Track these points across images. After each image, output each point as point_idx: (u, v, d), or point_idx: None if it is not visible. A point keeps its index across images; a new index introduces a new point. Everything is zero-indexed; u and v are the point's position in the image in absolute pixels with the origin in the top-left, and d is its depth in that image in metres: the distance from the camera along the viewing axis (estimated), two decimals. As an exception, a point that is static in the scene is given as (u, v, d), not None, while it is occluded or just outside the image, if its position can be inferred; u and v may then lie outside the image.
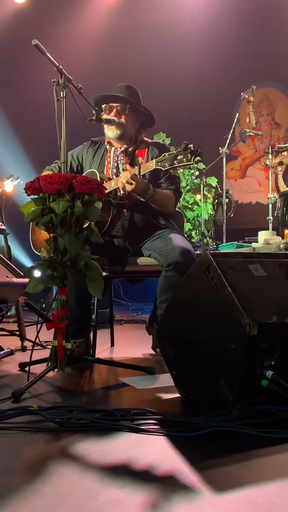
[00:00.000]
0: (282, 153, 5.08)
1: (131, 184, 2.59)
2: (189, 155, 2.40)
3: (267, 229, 4.85)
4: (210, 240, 6.34)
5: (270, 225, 5.11)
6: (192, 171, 6.54)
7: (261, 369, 1.60)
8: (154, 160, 2.56)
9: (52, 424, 1.56)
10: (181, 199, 6.36)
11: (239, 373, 1.59)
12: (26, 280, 2.72)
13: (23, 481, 1.19)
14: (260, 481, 1.19)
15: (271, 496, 1.11)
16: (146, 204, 2.76)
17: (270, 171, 5.24)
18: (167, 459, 1.32)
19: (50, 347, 2.19)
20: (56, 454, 1.35)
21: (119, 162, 2.90)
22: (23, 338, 3.11)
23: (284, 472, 1.24)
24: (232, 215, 5.73)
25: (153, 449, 1.39)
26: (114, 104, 2.86)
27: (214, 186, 6.49)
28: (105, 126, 2.88)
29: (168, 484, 1.16)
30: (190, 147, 2.39)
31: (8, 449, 1.41)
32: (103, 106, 2.87)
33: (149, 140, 3.01)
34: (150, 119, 2.95)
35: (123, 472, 1.24)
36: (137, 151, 2.91)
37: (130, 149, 2.90)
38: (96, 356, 2.73)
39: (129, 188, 2.61)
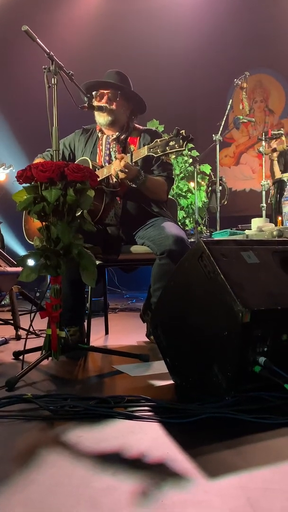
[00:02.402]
0: (283, 139, 5.08)
1: (124, 172, 2.57)
2: (181, 141, 2.38)
3: (260, 216, 4.85)
4: (204, 227, 6.35)
5: (264, 212, 5.11)
6: (186, 158, 6.53)
7: (254, 355, 1.61)
8: (146, 146, 2.54)
9: (46, 412, 1.57)
10: (174, 187, 6.35)
11: (232, 359, 1.59)
12: (19, 269, 2.72)
13: (17, 469, 1.19)
14: (253, 466, 1.19)
15: (264, 481, 1.12)
16: (139, 192, 2.75)
17: (263, 158, 5.23)
18: (160, 445, 1.32)
19: (44, 335, 2.19)
20: (50, 442, 1.35)
21: (111, 149, 2.88)
22: (17, 327, 3.11)
23: (277, 457, 1.25)
24: (226, 202, 5.73)
25: (147, 436, 1.39)
26: (105, 91, 2.84)
27: (208, 173, 6.47)
28: (96, 113, 2.86)
29: (161, 471, 1.17)
30: (182, 132, 2.38)
31: (2, 437, 1.41)
32: (93, 93, 2.84)
33: (141, 127, 2.99)
34: (141, 105, 2.93)
35: (117, 459, 1.25)
36: (129, 138, 2.90)
37: (122, 136, 2.88)
38: (91, 344, 2.73)
39: (122, 176, 2.59)
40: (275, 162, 5.28)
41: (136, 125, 2.97)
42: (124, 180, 2.65)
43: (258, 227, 3.32)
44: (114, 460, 1.24)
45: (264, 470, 1.18)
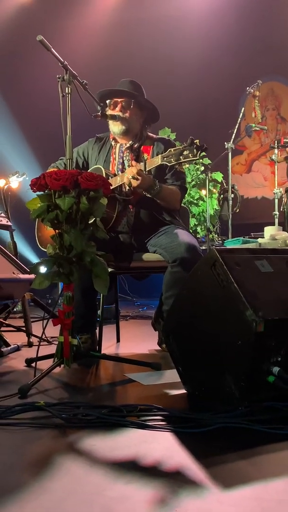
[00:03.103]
0: None
1: (137, 179, 2.58)
2: (195, 150, 2.39)
3: (273, 224, 4.84)
4: (216, 235, 6.33)
5: (276, 220, 5.09)
6: (198, 166, 6.52)
7: (268, 365, 1.60)
8: (159, 155, 2.55)
9: (59, 420, 1.57)
10: (186, 195, 6.35)
11: (245, 369, 1.59)
12: (32, 276, 2.73)
13: (31, 477, 1.19)
14: (267, 477, 1.18)
15: (278, 492, 1.11)
16: (152, 200, 2.75)
17: (276, 166, 5.22)
18: (173, 455, 1.32)
19: (56, 343, 2.19)
20: (63, 450, 1.35)
21: (124, 158, 2.90)
22: (29, 334, 3.12)
23: (291, 468, 1.24)
24: (237, 210, 5.72)
25: (160, 445, 1.39)
26: (119, 100, 2.86)
27: (220, 181, 6.47)
28: (110, 121, 2.88)
29: (175, 480, 1.16)
30: (196, 142, 2.38)
31: (15, 445, 1.41)
32: (107, 101, 2.86)
33: (154, 136, 3.00)
34: (155, 114, 2.94)
35: (130, 468, 1.24)
36: (142, 147, 2.91)
37: (136, 145, 2.90)
38: (102, 352, 2.73)
39: (135, 183, 2.60)
40: None
41: (150, 134, 2.98)
42: (137, 188, 2.66)
43: (271, 235, 3.31)
44: (127, 469, 1.23)
45: (279, 481, 1.17)
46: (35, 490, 1.12)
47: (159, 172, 2.77)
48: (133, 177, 2.57)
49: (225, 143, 5.41)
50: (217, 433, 1.46)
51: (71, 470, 1.23)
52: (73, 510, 1.04)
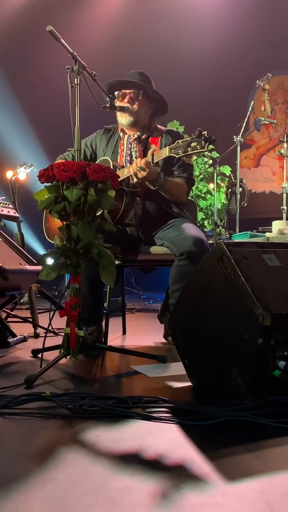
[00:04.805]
0: None
1: (144, 170, 2.56)
2: (203, 142, 2.37)
3: (281, 218, 4.82)
4: (223, 229, 6.31)
5: (284, 215, 5.07)
6: (206, 159, 6.50)
7: (274, 359, 1.59)
8: (167, 147, 2.54)
9: (65, 411, 1.57)
10: (194, 188, 6.33)
11: (251, 363, 1.58)
12: (39, 267, 2.74)
13: (36, 467, 1.20)
14: (272, 471, 1.18)
15: (283, 486, 1.11)
16: (159, 192, 2.74)
17: (284, 160, 5.19)
18: (178, 447, 1.32)
19: (62, 334, 2.20)
20: (68, 441, 1.36)
21: (132, 149, 2.88)
22: (35, 325, 3.13)
23: (296, 462, 1.23)
24: (245, 204, 5.70)
25: (165, 437, 1.39)
26: (127, 91, 2.84)
27: (228, 175, 6.44)
28: (118, 113, 2.86)
29: (180, 473, 1.17)
30: (204, 134, 2.37)
31: (21, 435, 1.42)
32: (116, 92, 2.84)
33: (163, 128, 2.98)
34: (163, 105, 2.93)
35: (135, 459, 1.24)
36: (150, 138, 2.89)
37: (144, 136, 2.88)
38: (108, 344, 2.74)
39: (141, 175, 2.58)
40: None
41: (158, 126, 2.97)
42: (142, 180, 2.64)
43: (279, 229, 3.30)
44: (132, 460, 1.24)
45: (283, 475, 1.17)
46: (40, 480, 1.13)
47: (166, 164, 2.76)
48: (141, 168, 2.56)
49: (234, 136, 5.39)
50: (222, 426, 1.46)
51: (76, 461, 1.23)
52: (77, 501, 1.04)
